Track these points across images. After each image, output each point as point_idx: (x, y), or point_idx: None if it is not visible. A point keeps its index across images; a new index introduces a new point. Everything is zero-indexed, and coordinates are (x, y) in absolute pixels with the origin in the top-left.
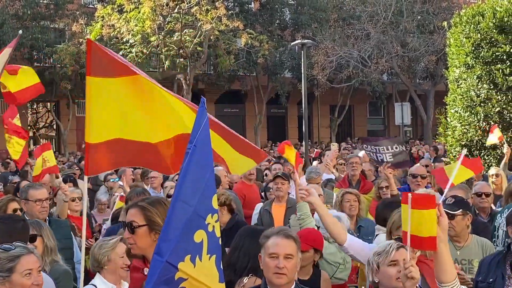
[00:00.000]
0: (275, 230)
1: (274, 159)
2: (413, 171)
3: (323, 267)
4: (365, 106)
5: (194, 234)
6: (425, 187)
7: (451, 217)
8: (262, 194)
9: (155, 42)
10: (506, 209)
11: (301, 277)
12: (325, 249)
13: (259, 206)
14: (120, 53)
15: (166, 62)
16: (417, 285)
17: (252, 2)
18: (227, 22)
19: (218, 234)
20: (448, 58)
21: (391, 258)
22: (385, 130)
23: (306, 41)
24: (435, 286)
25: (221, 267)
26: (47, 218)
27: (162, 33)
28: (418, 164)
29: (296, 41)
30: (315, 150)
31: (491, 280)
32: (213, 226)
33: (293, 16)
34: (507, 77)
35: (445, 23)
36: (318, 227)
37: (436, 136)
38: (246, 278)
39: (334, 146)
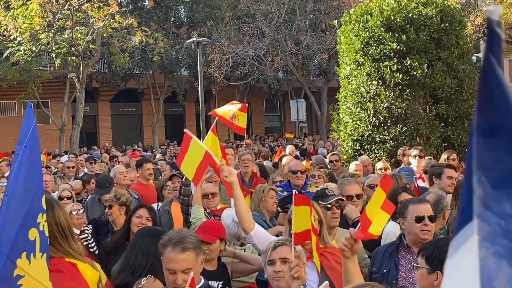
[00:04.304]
0: (172, 239)
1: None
2: (292, 167)
3: None
4: (262, 104)
5: (28, 232)
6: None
7: (340, 206)
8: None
9: (45, 39)
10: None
11: (209, 268)
12: None
13: (155, 206)
14: (8, 51)
15: (57, 60)
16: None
17: (147, 0)
18: (120, 20)
19: (47, 233)
20: (339, 56)
21: (268, 257)
22: (281, 126)
23: (201, 39)
24: (335, 275)
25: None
26: None
27: (52, 31)
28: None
29: (192, 39)
30: None
31: (384, 270)
32: (43, 226)
33: (189, 14)
34: (394, 74)
35: (335, 22)
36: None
37: (330, 131)
38: (144, 279)
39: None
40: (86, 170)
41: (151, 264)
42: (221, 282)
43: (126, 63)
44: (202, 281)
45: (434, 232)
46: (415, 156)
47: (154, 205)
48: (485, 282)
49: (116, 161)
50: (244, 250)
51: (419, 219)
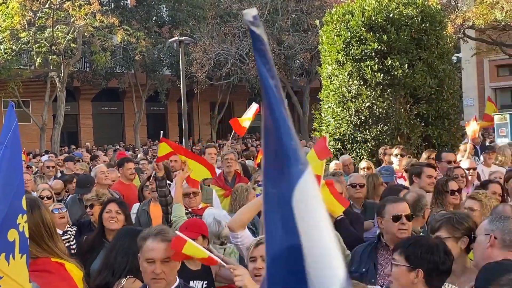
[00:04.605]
0: (152, 231)
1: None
2: None
3: None
4: (245, 103)
5: (7, 233)
6: None
7: None
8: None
9: (25, 38)
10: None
11: (193, 268)
12: None
13: (136, 206)
14: None
15: (38, 59)
16: None
17: None
18: (102, 18)
19: (27, 234)
20: (321, 56)
21: (250, 254)
22: None
23: (183, 38)
24: None
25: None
26: None
27: (33, 29)
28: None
29: (174, 38)
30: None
31: (363, 270)
32: (23, 226)
33: (171, 13)
34: (375, 74)
35: (317, 22)
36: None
37: (312, 131)
38: (124, 279)
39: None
40: (64, 170)
41: (131, 264)
42: (205, 282)
43: (108, 62)
44: (178, 281)
45: (414, 230)
46: (396, 155)
47: (136, 206)
48: None
49: (97, 161)
50: (224, 250)
51: (396, 218)
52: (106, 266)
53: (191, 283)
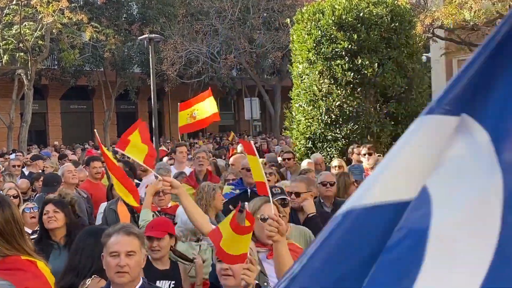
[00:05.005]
0: (116, 228)
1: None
2: (246, 165)
3: None
4: (216, 102)
5: None
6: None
7: (286, 204)
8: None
9: None
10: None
11: (161, 267)
12: (177, 247)
13: (103, 205)
14: None
15: (5, 56)
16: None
17: None
18: (70, 15)
19: None
20: (292, 54)
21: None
22: (235, 125)
23: (153, 35)
24: None
25: None
26: None
27: (0, 26)
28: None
29: (144, 36)
30: (162, 149)
31: None
32: None
33: (141, 11)
34: (346, 72)
35: (288, 20)
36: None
37: (283, 129)
38: (89, 279)
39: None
40: (25, 169)
41: (97, 264)
42: (173, 282)
43: (76, 60)
44: (142, 280)
45: None
46: (364, 154)
47: (103, 205)
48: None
49: (66, 160)
50: (200, 246)
51: None
52: (71, 268)
53: (157, 283)
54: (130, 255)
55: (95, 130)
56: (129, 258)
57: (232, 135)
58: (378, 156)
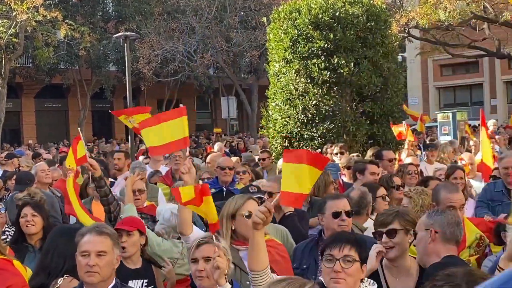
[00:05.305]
0: (90, 227)
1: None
2: (221, 163)
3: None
4: (193, 100)
5: None
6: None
7: (263, 203)
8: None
9: None
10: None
11: (132, 266)
12: (160, 246)
13: None
14: None
15: None
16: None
17: None
18: (45, 13)
19: None
20: (268, 53)
21: (192, 256)
22: (212, 124)
23: (129, 33)
24: (279, 268)
25: None
26: None
27: None
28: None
29: (120, 34)
30: (142, 148)
31: (305, 266)
32: None
33: (117, 8)
34: (322, 72)
35: (264, 19)
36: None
37: (260, 128)
38: (60, 279)
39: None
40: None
41: (69, 264)
42: (145, 281)
43: (51, 58)
44: (114, 281)
45: (359, 227)
46: (336, 153)
47: None
48: None
49: (40, 159)
50: (182, 244)
51: (336, 215)
52: (42, 268)
53: (130, 283)
54: (100, 255)
55: (78, 128)
56: (99, 258)
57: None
58: (357, 155)
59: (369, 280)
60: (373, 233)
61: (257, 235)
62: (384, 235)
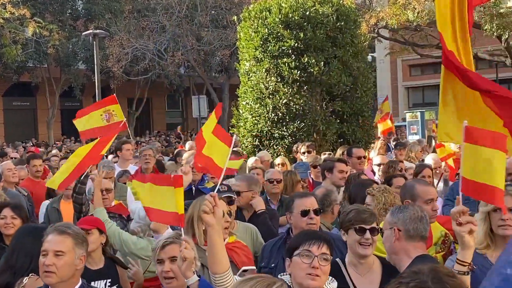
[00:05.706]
0: (56, 227)
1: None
2: (190, 162)
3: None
4: (163, 99)
5: None
6: None
7: (232, 201)
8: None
9: None
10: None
11: (94, 267)
12: (136, 245)
13: (45, 204)
14: None
15: None
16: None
17: None
18: (13, 10)
19: None
20: (239, 52)
21: (157, 256)
22: (183, 122)
23: (98, 31)
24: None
25: None
26: None
27: None
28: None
29: (88, 31)
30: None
31: (273, 265)
32: None
33: (86, 6)
34: (292, 71)
35: (235, 18)
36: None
37: (230, 127)
38: (26, 278)
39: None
40: None
41: (35, 264)
42: (108, 280)
43: (19, 56)
44: (80, 281)
45: (326, 226)
46: (303, 152)
47: (44, 204)
48: None
49: (7, 158)
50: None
51: (304, 213)
52: (7, 267)
53: (93, 283)
54: (58, 255)
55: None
56: (57, 258)
57: (180, 128)
58: (329, 154)
59: (329, 277)
60: (355, 228)
61: (213, 235)
62: (368, 232)
